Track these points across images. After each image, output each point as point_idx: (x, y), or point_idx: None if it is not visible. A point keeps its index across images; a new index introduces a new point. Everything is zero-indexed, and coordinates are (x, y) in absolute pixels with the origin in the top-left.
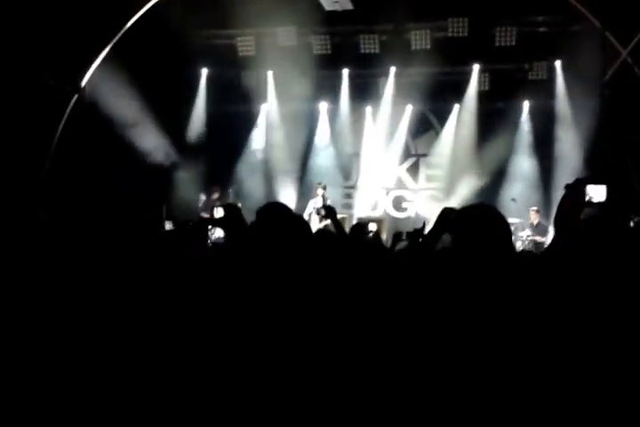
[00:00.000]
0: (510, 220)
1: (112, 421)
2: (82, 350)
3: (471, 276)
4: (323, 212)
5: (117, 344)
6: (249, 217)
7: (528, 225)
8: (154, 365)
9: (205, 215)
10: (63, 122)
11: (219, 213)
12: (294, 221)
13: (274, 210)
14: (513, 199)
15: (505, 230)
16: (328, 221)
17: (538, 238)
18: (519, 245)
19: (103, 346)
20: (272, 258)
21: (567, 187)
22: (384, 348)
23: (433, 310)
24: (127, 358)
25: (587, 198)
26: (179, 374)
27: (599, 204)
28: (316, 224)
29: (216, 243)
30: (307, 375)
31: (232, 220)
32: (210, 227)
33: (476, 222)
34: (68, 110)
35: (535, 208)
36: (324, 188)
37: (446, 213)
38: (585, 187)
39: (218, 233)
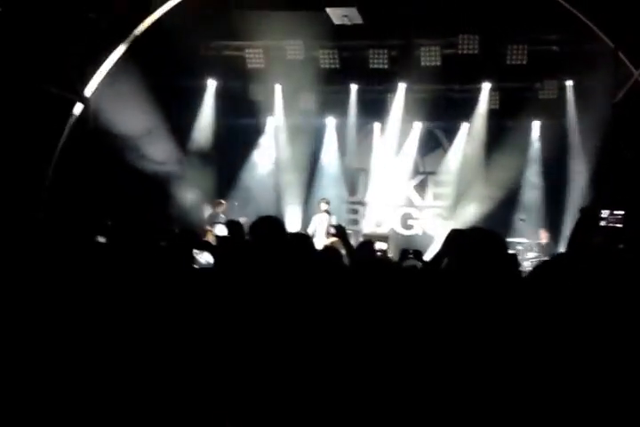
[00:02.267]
0: (519, 240)
1: (112, 421)
2: (79, 350)
3: (466, 297)
4: (332, 230)
5: (114, 345)
6: None
7: (536, 245)
8: (152, 367)
9: (209, 229)
10: (67, 130)
11: (221, 230)
12: (287, 235)
13: (267, 225)
14: (521, 219)
15: (502, 256)
16: (335, 239)
17: (546, 259)
18: (527, 266)
19: (101, 346)
20: (266, 273)
21: (582, 211)
22: (388, 365)
23: (433, 328)
24: (124, 359)
25: (603, 223)
26: (177, 376)
27: (616, 229)
28: (322, 240)
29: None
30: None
31: (234, 237)
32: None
33: (473, 248)
34: (72, 119)
35: (544, 228)
36: (328, 203)
37: (454, 235)
38: (600, 211)
39: (207, 257)
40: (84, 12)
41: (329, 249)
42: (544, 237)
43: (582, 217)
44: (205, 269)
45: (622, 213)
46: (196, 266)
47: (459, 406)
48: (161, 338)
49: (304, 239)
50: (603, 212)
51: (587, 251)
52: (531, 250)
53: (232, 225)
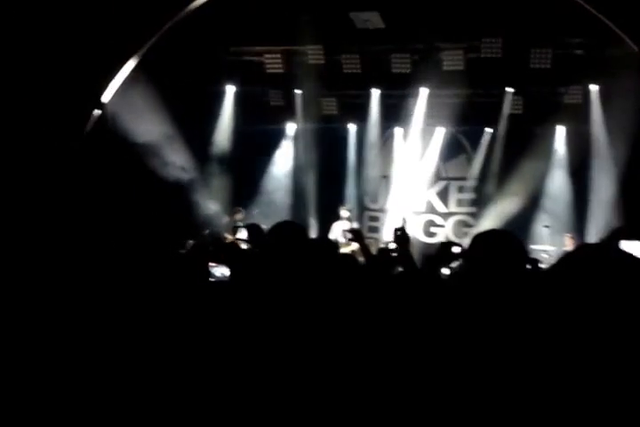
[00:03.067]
0: (543, 247)
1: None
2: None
3: (481, 301)
4: (349, 235)
5: (123, 357)
6: None
7: (562, 253)
8: (153, 371)
9: (229, 237)
10: (85, 137)
11: (242, 233)
12: (307, 240)
13: (287, 230)
14: (546, 226)
15: (519, 257)
16: (355, 245)
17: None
18: None
19: (110, 358)
20: (284, 278)
21: (601, 242)
22: (396, 371)
23: (441, 334)
24: (132, 370)
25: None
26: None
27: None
28: (342, 248)
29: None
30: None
31: (255, 241)
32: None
33: (488, 249)
34: (89, 126)
35: (570, 235)
36: (350, 210)
37: (445, 248)
38: (619, 242)
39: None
40: (105, 16)
41: (345, 257)
42: (569, 243)
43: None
44: (221, 283)
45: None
46: (212, 279)
47: (467, 409)
48: (173, 350)
49: (329, 245)
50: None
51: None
52: (556, 257)
53: (253, 228)
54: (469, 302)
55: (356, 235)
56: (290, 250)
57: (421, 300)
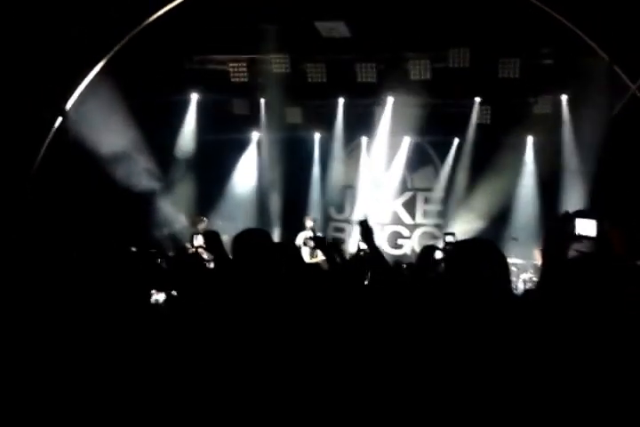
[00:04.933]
0: (512, 260)
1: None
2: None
3: (460, 308)
4: (311, 243)
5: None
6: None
7: (531, 266)
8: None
9: (189, 246)
10: (46, 144)
11: (198, 240)
12: (272, 247)
13: (251, 237)
14: (514, 238)
15: (500, 266)
16: (321, 258)
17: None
18: (521, 287)
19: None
20: (251, 285)
21: (555, 219)
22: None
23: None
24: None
25: (576, 232)
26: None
27: (588, 238)
28: (306, 257)
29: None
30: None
31: (212, 247)
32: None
33: (471, 256)
34: (51, 134)
35: (539, 248)
36: (314, 220)
37: (426, 252)
38: (574, 220)
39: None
40: (67, 25)
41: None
42: (539, 257)
43: (554, 224)
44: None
45: (595, 221)
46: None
47: (453, 409)
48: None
49: (291, 249)
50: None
51: (562, 259)
52: (525, 271)
53: (209, 235)
54: (453, 310)
55: (318, 242)
56: (257, 257)
57: (397, 308)
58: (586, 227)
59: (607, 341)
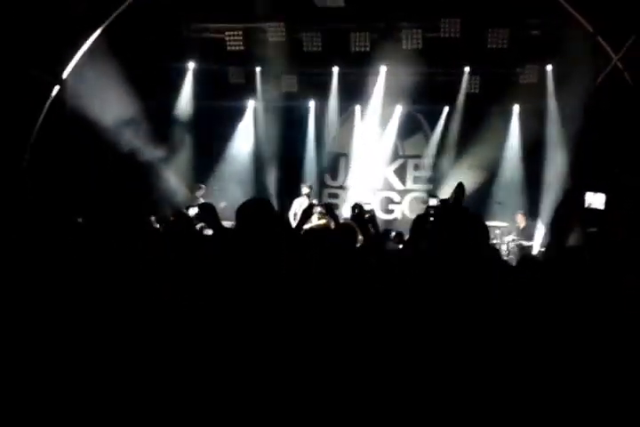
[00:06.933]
0: (496, 223)
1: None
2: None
3: (446, 279)
4: (320, 209)
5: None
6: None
7: (514, 229)
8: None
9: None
10: (44, 113)
11: (193, 211)
12: (276, 217)
13: (255, 207)
14: (499, 202)
15: (481, 233)
16: (322, 221)
17: (524, 242)
18: (504, 249)
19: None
20: (254, 256)
21: (566, 192)
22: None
23: (408, 314)
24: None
25: (585, 205)
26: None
27: (597, 211)
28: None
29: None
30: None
31: (207, 218)
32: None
33: (453, 226)
34: (48, 102)
35: (522, 212)
36: (310, 187)
37: (419, 222)
38: (584, 193)
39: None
40: None
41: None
42: (521, 220)
43: (566, 198)
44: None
45: (604, 195)
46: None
47: (449, 404)
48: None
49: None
50: (587, 193)
51: (570, 232)
52: (508, 234)
53: (205, 207)
54: (440, 281)
55: (328, 209)
56: (261, 228)
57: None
58: (595, 200)
59: (604, 328)
